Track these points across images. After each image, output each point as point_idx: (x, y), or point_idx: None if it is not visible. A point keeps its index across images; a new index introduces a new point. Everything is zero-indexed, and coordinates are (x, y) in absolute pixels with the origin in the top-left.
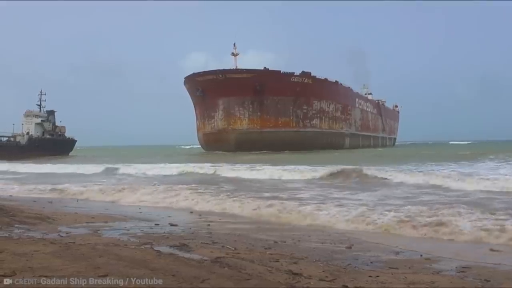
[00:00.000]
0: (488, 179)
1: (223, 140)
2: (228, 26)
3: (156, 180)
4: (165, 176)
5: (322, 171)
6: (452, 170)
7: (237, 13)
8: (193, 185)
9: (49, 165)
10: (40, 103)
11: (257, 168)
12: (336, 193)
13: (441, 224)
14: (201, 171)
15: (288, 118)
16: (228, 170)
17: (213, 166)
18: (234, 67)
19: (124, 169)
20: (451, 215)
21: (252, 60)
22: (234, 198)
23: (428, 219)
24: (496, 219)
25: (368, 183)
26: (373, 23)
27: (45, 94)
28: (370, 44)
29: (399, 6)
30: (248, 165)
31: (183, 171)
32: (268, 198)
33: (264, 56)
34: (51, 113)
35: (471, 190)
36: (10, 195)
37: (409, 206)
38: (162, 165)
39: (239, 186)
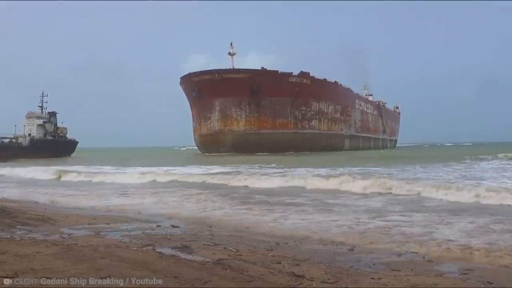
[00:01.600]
0: None
1: (219, 141)
2: (228, 28)
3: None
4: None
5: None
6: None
7: (237, 14)
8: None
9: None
10: (42, 104)
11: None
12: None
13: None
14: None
15: (286, 119)
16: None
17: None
18: (231, 67)
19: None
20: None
21: (252, 61)
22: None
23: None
24: None
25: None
26: (373, 23)
27: (47, 96)
28: (370, 44)
29: (399, 6)
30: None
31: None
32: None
33: (264, 57)
34: (52, 114)
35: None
36: None
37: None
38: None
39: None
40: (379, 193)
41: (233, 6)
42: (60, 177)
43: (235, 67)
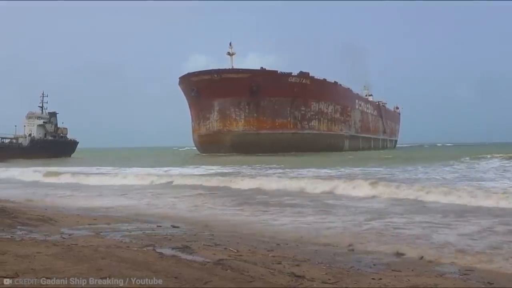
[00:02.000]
0: None
1: (218, 142)
2: (228, 28)
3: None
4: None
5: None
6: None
7: (237, 14)
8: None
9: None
10: (42, 104)
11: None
12: None
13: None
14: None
15: (285, 120)
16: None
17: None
18: (231, 67)
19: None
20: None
21: (252, 62)
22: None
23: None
24: None
25: None
26: (373, 23)
27: (47, 96)
28: (371, 45)
29: (399, 6)
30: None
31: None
32: None
33: (264, 58)
34: (53, 114)
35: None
36: None
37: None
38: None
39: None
40: (380, 194)
41: (233, 6)
42: (44, 177)
43: (235, 67)
